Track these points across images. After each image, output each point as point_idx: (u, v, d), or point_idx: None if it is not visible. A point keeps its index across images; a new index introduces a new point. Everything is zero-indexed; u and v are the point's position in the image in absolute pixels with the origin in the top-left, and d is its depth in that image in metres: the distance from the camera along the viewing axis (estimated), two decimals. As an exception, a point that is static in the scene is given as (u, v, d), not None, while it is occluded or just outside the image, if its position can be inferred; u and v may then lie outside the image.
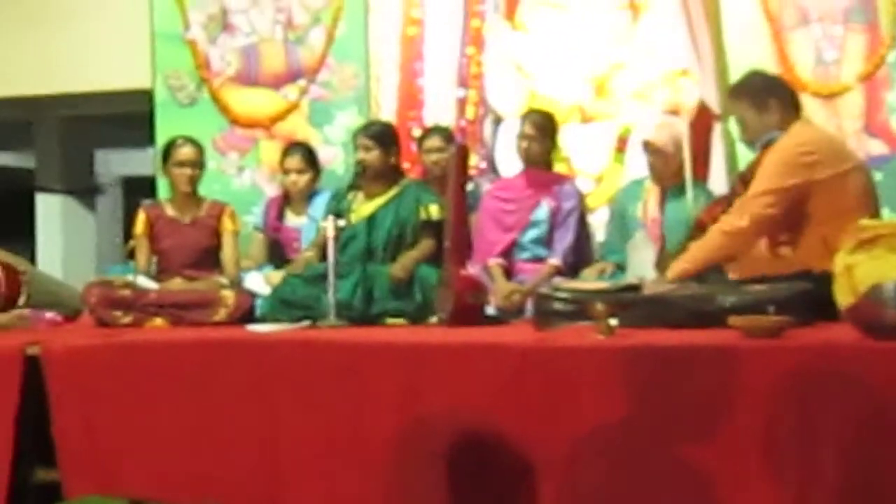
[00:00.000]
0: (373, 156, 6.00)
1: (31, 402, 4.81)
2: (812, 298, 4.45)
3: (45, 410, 4.80)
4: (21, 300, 5.91)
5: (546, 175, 6.35)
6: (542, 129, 6.26)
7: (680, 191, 5.90)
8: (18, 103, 9.95)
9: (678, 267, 4.98)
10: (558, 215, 6.19)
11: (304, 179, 6.82)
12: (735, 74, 6.92)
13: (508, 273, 6.18)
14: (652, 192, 6.04)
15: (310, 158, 6.89)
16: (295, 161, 6.84)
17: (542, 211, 6.21)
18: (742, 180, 5.26)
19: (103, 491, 4.62)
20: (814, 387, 3.74)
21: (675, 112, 6.68)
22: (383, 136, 6.09)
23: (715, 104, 7.04)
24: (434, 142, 6.71)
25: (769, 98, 5.09)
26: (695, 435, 3.84)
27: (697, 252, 5.01)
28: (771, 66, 6.75)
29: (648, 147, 6.01)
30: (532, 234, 6.22)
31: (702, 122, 6.92)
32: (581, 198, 6.38)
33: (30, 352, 4.85)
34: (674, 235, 5.73)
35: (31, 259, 10.06)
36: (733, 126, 6.97)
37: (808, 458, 3.72)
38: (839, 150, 5.15)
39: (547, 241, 6.19)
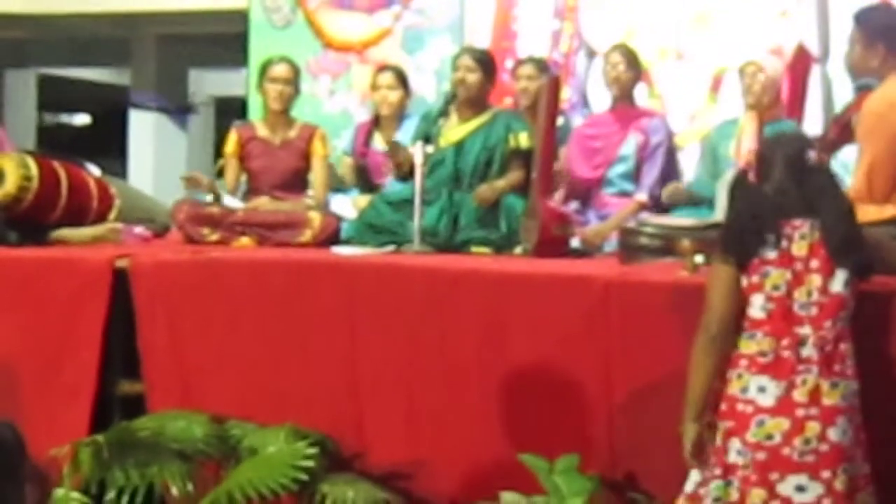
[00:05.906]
0: (474, 78, 5.88)
1: (118, 315, 4.88)
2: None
3: (132, 324, 4.87)
4: (112, 214, 5.97)
5: (634, 110, 6.29)
6: (630, 61, 6.21)
7: (774, 128, 5.83)
8: (116, 20, 10.05)
9: None
10: (646, 149, 6.15)
11: (394, 95, 6.71)
12: (837, 17, 6.82)
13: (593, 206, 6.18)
14: (747, 126, 5.95)
15: (401, 78, 6.84)
16: (386, 77, 6.77)
17: (630, 146, 6.17)
18: (836, 123, 5.15)
19: (186, 405, 4.69)
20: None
21: (773, 53, 6.59)
22: (486, 61, 5.99)
23: (814, 46, 6.92)
24: (527, 69, 6.64)
25: (878, 41, 4.71)
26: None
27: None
28: (874, 11, 6.62)
29: (749, 68, 5.92)
30: (619, 168, 6.18)
31: (800, 63, 6.82)
32: (669, 132, 6.31)
33: (119, 265, 4.91)
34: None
35: (123, 175, 10.16)
36: (831, 69, 6.89)
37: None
38: None
39: (635, 176, 6.14)
